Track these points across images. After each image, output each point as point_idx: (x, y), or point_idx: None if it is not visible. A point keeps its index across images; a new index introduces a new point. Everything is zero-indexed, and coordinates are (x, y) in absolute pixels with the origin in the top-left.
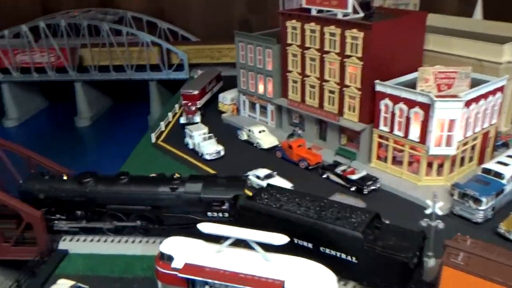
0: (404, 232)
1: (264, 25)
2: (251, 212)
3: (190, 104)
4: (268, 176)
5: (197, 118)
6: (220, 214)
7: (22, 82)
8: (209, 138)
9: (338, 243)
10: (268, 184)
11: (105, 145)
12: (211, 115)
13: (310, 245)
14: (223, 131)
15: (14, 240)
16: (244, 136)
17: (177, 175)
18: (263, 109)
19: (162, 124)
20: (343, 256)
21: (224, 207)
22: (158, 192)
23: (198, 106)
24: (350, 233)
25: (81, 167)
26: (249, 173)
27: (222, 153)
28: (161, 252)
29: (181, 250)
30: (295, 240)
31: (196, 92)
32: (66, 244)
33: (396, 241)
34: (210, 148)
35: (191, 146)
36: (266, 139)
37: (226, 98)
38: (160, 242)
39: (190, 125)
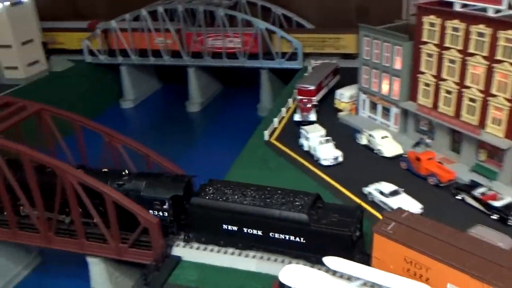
0: (344, 208)
1: (384, 15)
2: (200, 208)
3: (305, 100)
4: (394, 193)
5: (313, 116)
6: (161, 213)
7: (140, 65)
8: (327, 141)
9: (286, 226)
10: (210, 179)
11: (215, 135)
12: (326, 112)
13: (259, 233)
14: (338, 131)
15: (130, 242)
16: (363, 140)
17: (126, 172)
18: (386, 111)
19: (276, 120)
20: (292, 238)
21: (165, 206)
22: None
23: (314, 103)
24: (296, 215)
25: (191, 160)
26: (371, 186)
27: (341, 159)
28: (281, 282)
29: (304, 282)
30: (245, 230)
31: (312, 88)
32: (180, 250)
33: (338, 217)
34: (328, 153)
35: (306, 148)
36: (389, 147)
37: (344, 96)
38: (275, 261)
39: (305, 125)
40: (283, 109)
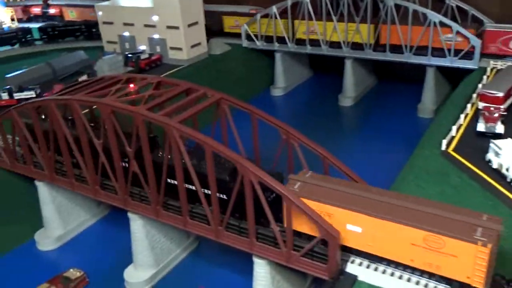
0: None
1: None
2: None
3: (492, 108)
4: None
5: (499, 128)
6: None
7: (295, 53)
8: None
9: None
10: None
11: (370, 134)
12: None
13: (194, 188)
14: None
15: (304, 251)
16: None
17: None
18: None
19: (454, 128)
20: (219, 195)
21: (125, 159)
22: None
23: (502, 112)
24: (220, 176)
25: (344, 160)
26: None
27: None
28: None
29: None
30: (184, 185)
31: (501, 94)
32: (355, 268)
33: None
34: None
35: (495, 166)
36: None
37: None
38: None
39: (493, 137)
40: (462, 116)
